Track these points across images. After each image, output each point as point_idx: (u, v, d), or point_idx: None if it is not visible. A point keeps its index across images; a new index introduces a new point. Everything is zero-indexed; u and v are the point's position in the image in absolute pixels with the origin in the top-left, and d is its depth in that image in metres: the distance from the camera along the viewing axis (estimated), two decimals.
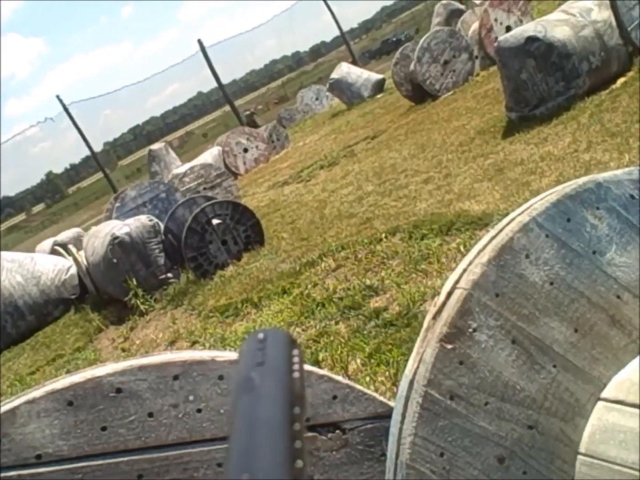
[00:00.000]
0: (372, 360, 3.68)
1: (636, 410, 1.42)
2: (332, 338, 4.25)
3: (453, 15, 18.47)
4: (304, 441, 0.52)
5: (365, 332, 4.12)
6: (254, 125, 27.99)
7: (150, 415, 1.52)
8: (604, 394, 1.52)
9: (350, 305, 4.64)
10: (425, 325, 1.54)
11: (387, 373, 3.44)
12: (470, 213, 5.41)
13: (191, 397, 1.54)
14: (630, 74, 7.31)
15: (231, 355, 1.63)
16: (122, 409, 1.51)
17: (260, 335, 0.58)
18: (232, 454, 0.51)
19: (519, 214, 1.61)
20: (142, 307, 7.32)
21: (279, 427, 0.52)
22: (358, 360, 3.78)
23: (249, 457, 0.50)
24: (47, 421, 1.46)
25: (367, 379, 3.48)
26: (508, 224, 1.60)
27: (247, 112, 31.89)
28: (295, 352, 0.57)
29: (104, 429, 1.49)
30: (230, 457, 0.51)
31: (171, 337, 6.01)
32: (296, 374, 0.56)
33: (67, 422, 1.47)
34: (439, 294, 1.57)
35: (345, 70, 20.32)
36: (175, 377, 1.54)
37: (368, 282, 4.93)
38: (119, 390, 1.51)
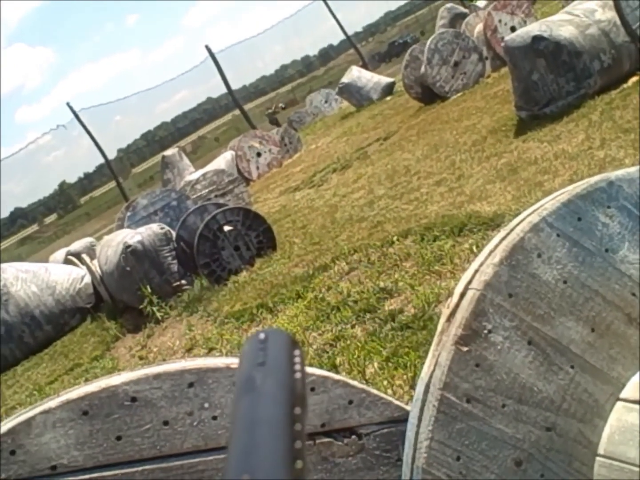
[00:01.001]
0: (390, 364, 3.66)
1: None
2: (348, 342, 4.23)
3: (457, 19, 18.46)
4: (304, 442, 0.52)
5: (381, 335, 4.10)
6: (276, 123, 27.95)
7: (166, 423, 1.51)
8: (623, 394, 1.50)
9: (365, 309, 4.63)
10: (439, 328, 1.53)
11: (404, 376, 3.43)
12: (481, 214, 5.39)
13: (206, 405, 1.54)
14: None
15: None
16: (137, 417, 1.51)
17: (262, 336, 0.58)
18: (232, 454, 0.51)
19: (529, 214, 1.61)
20: (157, 314, 7.33)
21: (279, 427, 0.52)
22: (375, 364, 3.76)
23: (249, 458, 0.50)
24: (62, 431, 1.46)
25: (385, 382, 3.46)
26: (518, 224, 1.59)
27: (269, 111, 31.85)
28: (297, 352, 0.57)
29: (119, 438, 1.49)
30: (230, 457, 0.51)
31: (188, 344, 6.01)
32: (297, 375, 0.56)
33: (82, 432, 1.47)
34: (452, 295, 1.56)
35: (356, 75, 20.34)
36: (190, 385, 1.54)
37: (382, 284, 4.91)
38: (134, 399, 1.51)
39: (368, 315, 4.52)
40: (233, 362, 1.58)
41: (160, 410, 1.51)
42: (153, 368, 1.56)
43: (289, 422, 0.52)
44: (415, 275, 4.85)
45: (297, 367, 0.56)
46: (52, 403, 1.48)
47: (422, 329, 3.88)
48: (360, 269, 5.56)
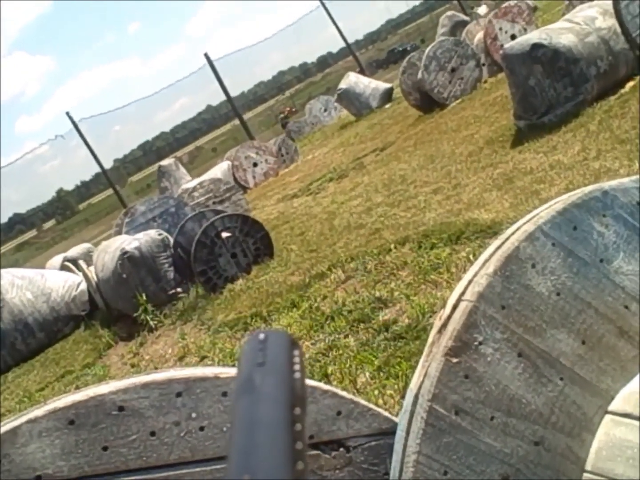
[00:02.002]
0: (381, 374, 3.65)
1: None
2: (341, 352, 4.22)
3: (457, 27, 18.54)
4: (305, 442, 0.52)
5: (374, 345, 4.09)
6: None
7: (153, 434, 1.50)
8: (611, 407, 1.49)
9: (359, 319, 4.62)
10: (430, 339, 1.52)
11: (396, 386, 3.42)
12: (479, 222, 5.38)
13: (194, 415, 1.53)
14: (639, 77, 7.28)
15: (235, 371, 1.61)
16: (124, 427, 1.49)
17: (261, 336, 0.58)
18: (233, 454, 0.51)
19: (524, 223, 1.60)
20: (151, 322, 7.32)
21: (279, 428, 0.52)
22: (367, 374, 3.75)
23: (250, 458, 0.50)
24: (47, 441, 1.45)
25: (376, 392, 3.45)
26: (514, 233, 1.58)
27: (282, 115, 31.85)
28: (296, 352, 0.57)
29: (105, 448, 1.47)
30: (231, 457, 0.51)
31: (180, 353, 6.00)
32: (297, 375, 0.56)
33: (68, 442, 1.46)
34: (445, 306, 1.55)
35: (354, 80, 20.34)
36: (178, 394, 1.53)
37: (377, 294, 4.90)
38: (121, 409, 1.50)
39: (362, 325, 4.51)
40: (222, 371, 1.57)
41: (147, 420, 1.50)
42: (141, 377, 1.55)
43: (289, 422, 0.52)
44: (411, 284, 4.84)
45: (297, 367, 0.56)
46: (38, 412, 1.47)
47: (415, 339, 3.86)
48: (357, 277, 5.55)
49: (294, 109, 32.11)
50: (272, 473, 0.49)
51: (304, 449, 0.51)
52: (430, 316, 4.10)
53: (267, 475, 0.49)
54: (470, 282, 1.52)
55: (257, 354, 0.56)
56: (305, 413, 0.54)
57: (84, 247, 13.92)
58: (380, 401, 3.34)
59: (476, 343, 1.46)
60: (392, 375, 3.55)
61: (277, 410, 0.53)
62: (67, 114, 25.25)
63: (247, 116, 32.00)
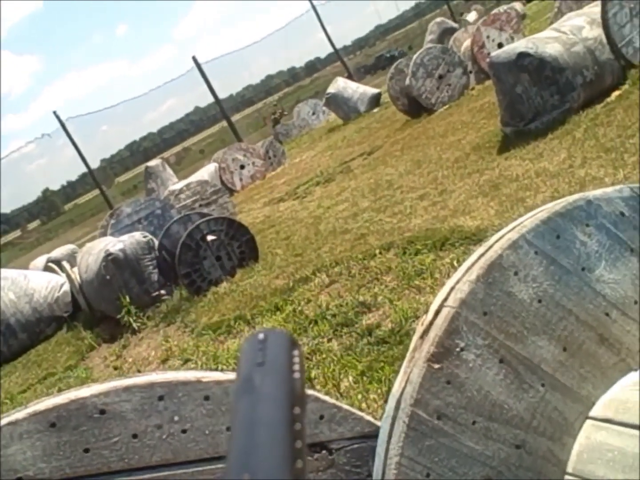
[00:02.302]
0: (365, 378, 3.66)
1: (624, 429, 1.41)
2: (324, 356, 4.23)
3: (446, 33, 18.64)
4: (304, 441, 0.52)
5: (357, 349, 4.10)
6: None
7: (135, 436, 1.50)
8: (592, 413, 1.50)
9: (343, 323, 4.63)
10: (412, 345, 1.52)
11: (379, 390, 3.43)
12: (464, 229, 5.41)
13: (176, 418, 1.52)
14: (625, 87, 7.33)
15: (217, 375, 1.61)
16: (106, 430, 1.49)
17: (261, 336, 0.58)
18: (232, 454, 0.51)
19: (508, 231, 1.61)
20: (134, 324, 7.29)
21: (279, 427, 0.52)
22: (350, 378, 3.76)
23: (250, 457, 0.50)
24: (29, 443, 1.45)
25: (359, 396, 3.46)
26: (497, 241, 1.59)
27: (274, 116, 31.82)
28: (296, 352, 0.57)
29: (86, 450, 1.47)
30: (230, 457, 0.51)
31: (163, 355, 5.98)
32: (296, 374, 0.56)
33: (49, 444, 1.46)
34: (428, 311, 1.56)
35: (342, 85, 20.37)
36: (160, 398, 1.53)
37: (361, 298, 4.91)
38: (102, 412, 1.49)
39: (345, 330, 4.52)
40: (204, 375, 1.57)
41: (129, 423, 1.50)
42: (123, 380, 1.54)
43: (289, 421, 0.52)
44: (395, 289, 4.85)
45: (296, 367, 0.56)
46: (19, 414, 1.46)
47: (399, 344, 3.88)
48: (341, 281, 5.56)
49: (285, 113, 32.12)
50: (271, 472, 0.49)
51: (304, 448, 0.51)
52: (414, 321, 4.12)
53: (267, 475, 0.49)
54: (452, 288, 1.53)
55: (256, 354, 0.57)
56: (305, 412, 0.54)
57: (68, 248, 13.85)
58: (364, 405, 3.35)
59: (458, 349, 1.47)
60: (375, 379, 3.56)
61: (277, 410, 0.53)
62: (54, 113, 25.09)
63: (235, 118, 31.96)
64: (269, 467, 0.50)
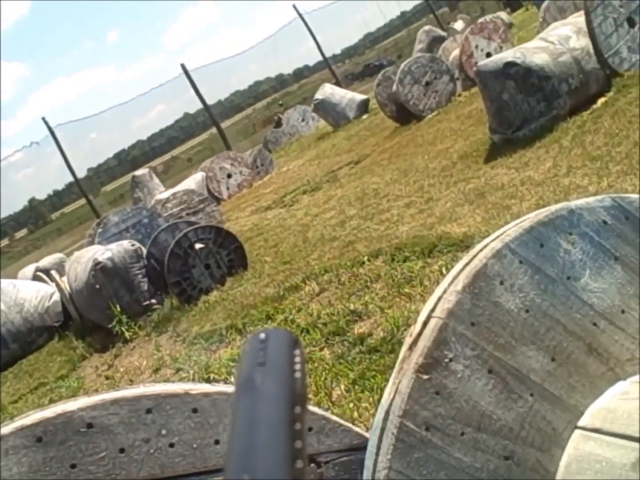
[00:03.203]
0: (356, 387, 3.66)
1: (613, 439, 1.41)
2: (316, 364, 4.21)
3: (435, 42, 18.72)
4: (305, 441, 0.52)
5: (349, 358, 4.10)
6: (280, 123, 27.70)
7: (122, 450, 1.49)
8: (581, 423, 1.50)
9: (334, 331, 4.62)
10: (401, 355, 1.52)
11: (370, 399, 3.42)
12: (451, 235, 5.42)
13: (164, 431, 1.52)
14: (610, 94, 7.39)
15: (206, 387, 1.60)
16: (93, 444, 1.48)
17: (262, 335, 0.59)
18: (232, 454, 0.51)
19: (492, 240, 1.61)
20: (126, 334, 7.26)
21: (279, 427, 0.52)
22: (342, 387, 3.76)
23: (249, 457, 0.50)
24: (15, 459, 1.43)
25: (351, 405, 3.45)
26: (481, 250, 1.59)
27: (276, 118, 31.89)
28: (297, 352, 0.58)
29: (73, 466, 1.46)
30: (230, 457, 0.51)
31: (155, 365, 5.95)
32: (297, 374, 0.56)
33: (35, 460, 1.44)
34: (416, 322, 1.56)
35: (329, 91, 20.37)
36: (148, 411, 1.52)
37: (352, 306, 4.91)
38: (90, 425, 1.48)
39: (337, 338, 4.51)
40: (192, 388, 1.57)
41: (116, 437, 1.49)
42: (111, 393, 1.54)
43: (289, 421, 0.52)
44: (385, 297, 4.85)
45: (297, 366, 0.56)
46: (5, 430, 1.45)
47: (390, 353, 3.88)
48: (331, 289, 5.55)
49: (282, 111, 32.25)
50: (271, 472, 0.49)
51: (304, 448, 0.51)
52: (405, 329, 4.11)
53: (267, 475, 0.49)
54: (439, 298, 1.53)
55: (258, 353, 0.57)
56: (306, 412, 0.54)
57: (56, 257, 13.79)
58: (356, 414, 3.35)
59: (447, 360, 1.47)
60: (367, 388, 3.56)
61: (277, 410, 0.53)
62: (44, 119, 25.05)
63: (224, 124, 31.92)
64: (268, 467, 0.50)
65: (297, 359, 0.57)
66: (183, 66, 25.97)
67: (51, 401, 5.95)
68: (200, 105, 27.24)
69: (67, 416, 1.48)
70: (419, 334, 1.50)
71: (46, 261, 13.51)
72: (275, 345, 0.58)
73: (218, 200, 16.01)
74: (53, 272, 10.51)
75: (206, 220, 11.38)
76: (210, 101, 28.66)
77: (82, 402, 1.51)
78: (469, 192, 6.58)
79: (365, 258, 5.76)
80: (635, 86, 7.07)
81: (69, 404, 1.51)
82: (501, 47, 13.02)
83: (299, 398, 0.54)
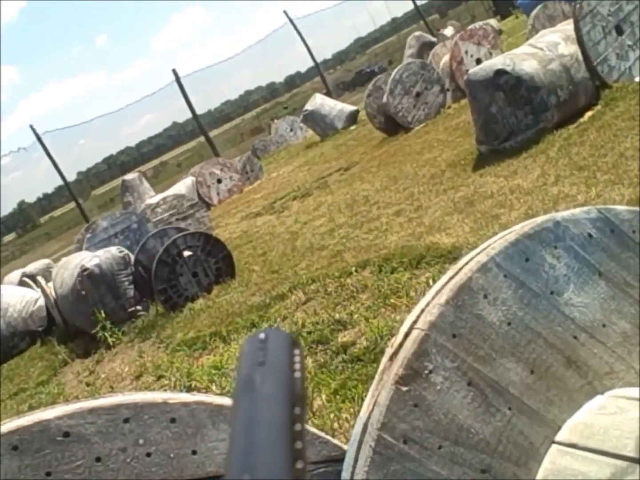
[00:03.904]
0: (338, 397, 3.65)
1: (589, 454, 1.41)
2: None
3: (425, 47, 18.78)
4: (305, 442, 0.52)
5: (331, 367, 4.09)
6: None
7: (98, 459, 1.48)
8: (557, 437, 1.50)
9: (318, 340, 4.61)
10: (381, 367, 1.52)
11: (351, 410, 3.41)
12: (440, 246, 5.43)
13: (141, 441, 1.51)
14: (598, 107, 7.42)
15: (185, 397, 1.60)
16: (69, 453, 1.47)
17: (262, 335, 0.58)
18: (232, 454, 0.51)
19: (477, 253, 1.61)
20: (109, 339, 7.23)
21: (279, 427, 0.52)
22: (323, 396, 3.74)
23: (250, 457, 0.50)
24: None
25: (332, 415, 3.44)
26: (467, 263, 1.59)
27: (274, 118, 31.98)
28: (296, 352, 0.57)
29: (48, 474, 1.45)
30: (230, 457, 0.51)
31: (137, 371, 5.93)
32: (297, 374, 0.56)
33: (10, 468, 1.43)
34: (397, 334, 1.56)
35: (319, 102, 20.40)
36: (126, 420, 1.51)
37: (337, 316, 4.91)
38: (66, 434, 1.47)
39: (320, 347, 4.51)
40: (171, 397, 1.56)
41: (93, 446, 1.48)
42: (88, 402, 1.52)
43: (289, 422, 0.52)
44: (370, 307, 4.85)
45: (297, 366, 0.56)
46: None
47: (373, 362, 3.87)
48: (317, 299, 5.55)
49: (285, 107, 32.43)
50: (271, 472, 0.49)
51: (304, 448, 0.51)
52: (388, 339, 4.11)
53: (267, 475, 0.49)
54: (423, 310, 1.53)
55: (257, 353, 0.57)
56: (306, 412, 0.54)
57: (43, 263, 13.75)
58: (336, 424, 3.34)
59: (426, 371, 1.46)
60: (349, 398, 3.56)
61: (277, 410, 0.53)
62: (31, 126, 24.98)
63: (212, 134, 31.90)
64: (269, 467, 0.50)
65: (297, 359, 0.57)
66: (175, 72, 25.94)
67: (30, 407, 5.92)
68: (189, 114, 27.22)
69: (43, 425, 1.47)
70: (400, 345, 1.50)
71: (33, 267, 13.46)
72: (274, 345, 0.57)
73: (208, 205, 16.02)
74: (39, 278, 10.47)
75: (195, 226, 11.36)
76: (200, 110, 28.64)
77: (59, 410, 1.50)
78: (459, 201, 6.59)
79: (353, 268, 5.76)
80: (623, 99, 7.11)
81: (46, 412, 1.50)
82: (491, 53, 13.08)
83: (299, 398, 0.54)
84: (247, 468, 0.50)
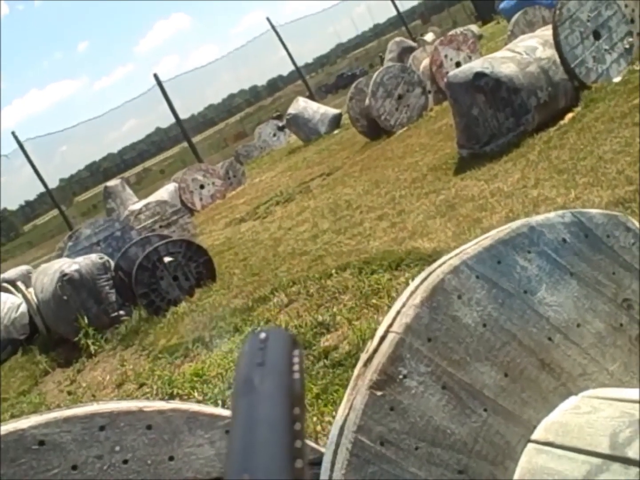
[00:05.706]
0: (320, 401, 3.66)
1: (564, 452, 1.42)
2: None
3: (405, 52, 18.85)
4: (304, 441, 0.52)
5: (313, 372, 4.10)
6: (280, 119, 27.55)
7: (74, 467, 1.47)
8: (533, 436, 1.52)
9: (301, 344, 4.61)
10: (356, 372, 1.53)
11: (333, 413, 3.42)
12: (421, 250, 5.45)
13: (117, 448, 1.50)
14: (578, 109, 7.46)
15: (160, 404, 1.59)
16: (45, 462, 1.46)
17: (262, 335, 0.58)
18: (232, 454, 0.51)
19: (450, 257, 1.62)
20: (92, 347, 7.19)
21: (279, 427, 0.52)
22: (305, 401, 3.74)
23: (249, 457, 0.50)
24: None
25: (314, 419, 3.45)
26: (439, 266, 1.60)
27: (278, 114, 31.91)
28: (296, 352, 0.57)
29: None
30: (230, 457, 0.51)
31: (119, 380, 5.91)
32: (296, 375, 0.56)
33: None
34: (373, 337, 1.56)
35: (302, 105, 20.40)
36: (102, 428, 1.50)
37: (320, 318, 4.91)
38: (42, 443, 1.46)
39: (304, 352, 4.50)
40: (146, 405, 1.56)
41: (69, 454, 1.47)
42: (63, 411, 1.52)
43: (289, 421, 0.52)
44: (353, 308, 4.87)
45: (296, 367, 0.56)
46: None
47: (354, 367, 3.86)
48: (299, 301, 5.56)
49: (279, 114, 32.38)
50: (271, 472, 0.50)
51: (304, 448, 0.52)
52: (371, 343, 4.11)
53: (267, 475, 0.49)
54: (398, 312, 1.54)
55: (257, 353, 0.57)
56: (305, 412, 0.54)
57: (22, 269, 13.64)
58: (319, 428, 3.35)
59: (401, 376, 1.47)
60: (330, 402, 3.57)
61: (277, 410, 0.53)
62: (13, 133, 24.83)
63: (196, 139, 31.87)
64: (268, 467, 0.50)
65: (296, 360, 0.57)
66: (156, 76, 25.86)
67: (12, 417, 5.87)
68: (172, 120, 27.15)
69: (18, 434, 1.46)
70: (375, 350, 1.51)
71: (12, 272, 13.36)
72: (274, 345, 0.58)
73: (191, 211, 15.98)
74: (19, 284, 10.38)
75: (179, 233, 11.34)
76: (183, 115, 28.59)
77: (34, 419, 1.49)
78: (440, 204, 6.62)
79: (334, 271, 5.77)
80: (602, 100, 7.17)
81: (21, 422, 1.49)
82: (470, 57, 13.16)
83: (298, 398, 0.54)
84: (247, 468, 0.50)
